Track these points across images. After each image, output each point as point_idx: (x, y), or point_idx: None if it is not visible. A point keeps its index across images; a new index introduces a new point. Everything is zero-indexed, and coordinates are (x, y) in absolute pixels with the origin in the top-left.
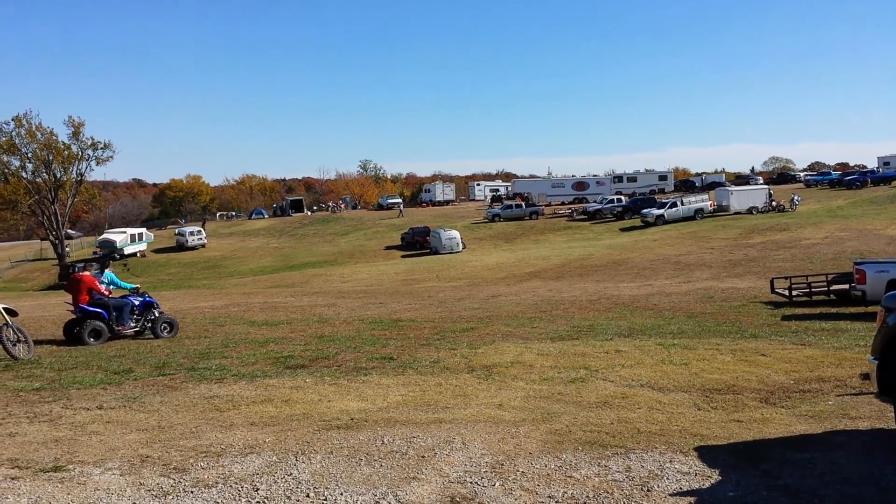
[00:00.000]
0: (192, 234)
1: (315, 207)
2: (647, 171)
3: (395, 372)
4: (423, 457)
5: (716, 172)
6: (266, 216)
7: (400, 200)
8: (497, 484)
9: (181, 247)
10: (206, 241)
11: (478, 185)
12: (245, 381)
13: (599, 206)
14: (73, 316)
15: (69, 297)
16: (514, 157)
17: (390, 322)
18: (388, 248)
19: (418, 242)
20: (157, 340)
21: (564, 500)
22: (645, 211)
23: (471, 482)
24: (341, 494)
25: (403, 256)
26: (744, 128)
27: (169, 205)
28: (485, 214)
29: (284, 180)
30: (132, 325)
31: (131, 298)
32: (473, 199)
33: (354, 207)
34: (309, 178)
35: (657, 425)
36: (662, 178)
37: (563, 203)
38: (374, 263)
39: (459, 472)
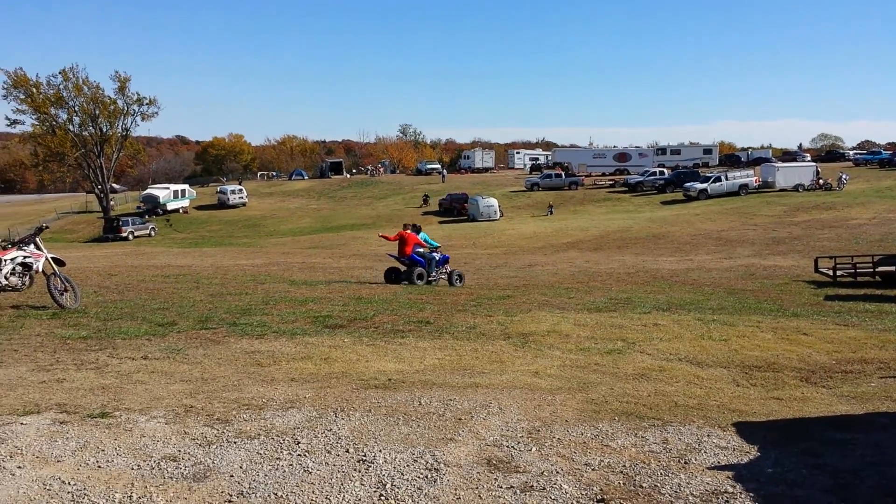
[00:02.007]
0: (233, 192)
1: (354, 170)
2: (691, 144)
3: (431, 336)
4: (459, 419)
5: (762, 148)
6: (306, 177)
7: (439, 165)
8: (533, 449)
9: (222, 205)
10: (246, 199)
11: (517, 153)
12: (285, 338)
13: (641, 179)
14: (396, 264)
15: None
16: (555, 127)
17: (427, 287)
18: (426, 213)
19: (456, 209)
20: (451, 288)
21: (601, 468)
22: (688, 185)
23: (507, 446)
24: (380, 451)
25: (441, 222)
26: (794, 103)
27: (211, 163)
28: (524, 183)
29: (324, 142)
30: (437, 274)
31: (435, 254)
32: (512, 168)
33: (393, 172)
34: (349, 140)
35: (695, 399)
36: (707, 151)
37: (603, 174)
38: None
39: (496, 435)
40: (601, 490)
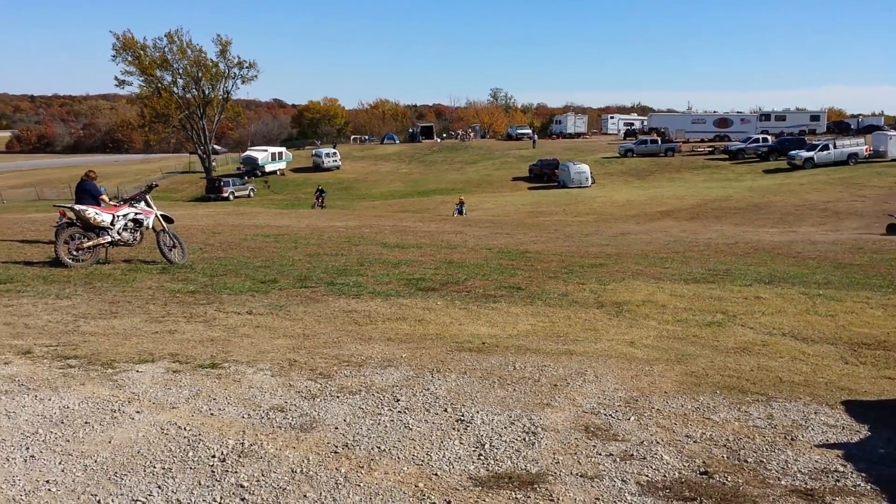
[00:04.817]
0: (328, 155)
1: (444, 135)
2: (797, 109)
3: (523, 302)
4: (555, 385)
5: (874, 115)
6: (397, 141)
7: (530, 131)
8: (632, 418)
9: (317, 167)
10: (340, 162)
11: (611, 118)
12: (380, 299)
13: (742, 146)
14: None
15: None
16: (651, 90)
17: (517, 253)
18: (516, 178)
19: (546, 175)
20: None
21: (703, 441)
22: (793, 153)
23: (605, 414)
24: (477, 412)
25: (530, 188)
26: None
27: (307, 126)
28: (617, 149)
29: (415, 106)
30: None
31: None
32: (606, 133)
33: (483, 136)
34: (439, 104)
35: (801, 376)
36: (814, 118)
37: (702, 140)
38: (500, 193)
39: (593, 403)
40: (703, 462)
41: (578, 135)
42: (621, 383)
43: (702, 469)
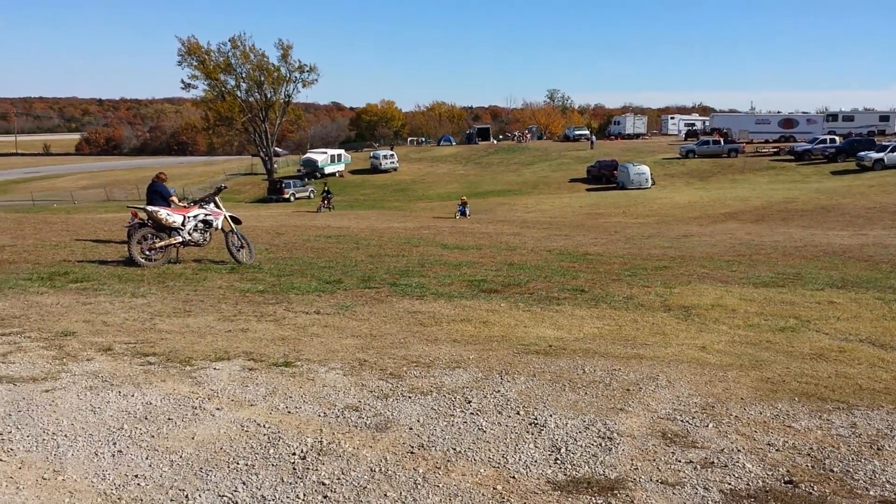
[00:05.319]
0: (385, 157)
1: (501, 136)
2: (865, 110)
3: (587, 304)
4: (627, 390)
5: None
6: (454, 143)
7: (588, 132)
8: (710, 425)
9: (375, 169)
10: (397, 164)
11: (671, 118)
12: (443, 300)
13: (809, 147)
14: None
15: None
16: (713, 90)
17: (578, 255)
18: (573, 180)
19: (605, 176)
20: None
21: (785, 450)
22: (861, 154)
23: (681, 420)
24: (550, 416)
25: (588, 190)
26: None
27: (364, 128)
28: (678, 150)
29: (471, 108)
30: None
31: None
32: (666, 134)
33: (540, 138)
34: (495, 106)
35: (881, 383)
36: (884, 118)
37: (766, 141)
38: (558, 195)
39: (668, 409)
40: (788, 472)
41: (638, 135)
42: (695, 389)
43: (786, 478)
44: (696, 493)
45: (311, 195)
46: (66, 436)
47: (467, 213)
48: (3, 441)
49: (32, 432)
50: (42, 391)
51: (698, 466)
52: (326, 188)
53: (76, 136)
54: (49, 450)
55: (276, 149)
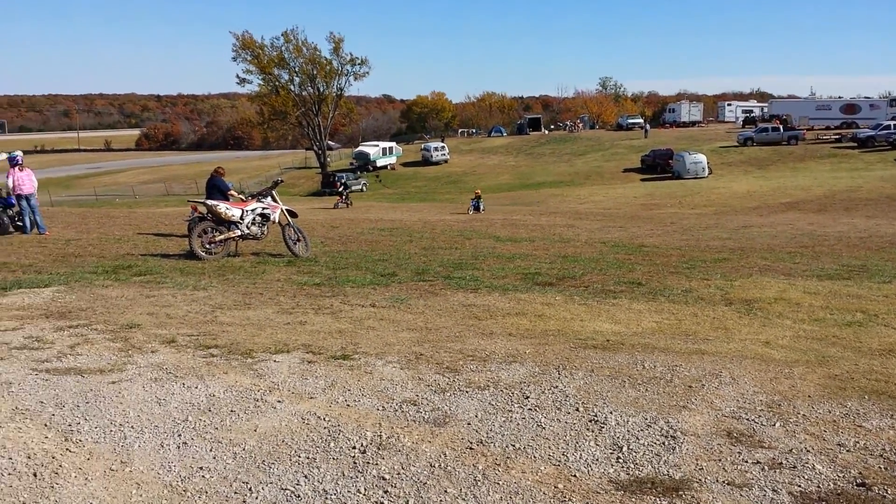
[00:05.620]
0: (436, 149)
1: (552, 126)
2: None
3: (645, 298)
4: (689, 387)
5: None
6: (504, 134)
7: (642, 120)
8: (777, 424)
9: (426, 161)
10: (448, 156)
11: (728, 105)
12: (498, 293)
13: (872, 133)
14: None
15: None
16: (771, 75)
17: (634, 247)
18: (627, 170)
19: (660, 165)
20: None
21: (857, 451)
22: None
23: (747, 419)
24: (611, 413)
25: (643, 180)
26: None
27: (415, 120)
28: (735, 137)
29: (522, 98)
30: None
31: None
32: (723, 121)
33: (592, 127)
34: (546, 96)
35: None
36: None
37: (828, 127)
38: (611, 185)
39: (732, 407)
40: (860, 473)
41: (693, 123)
42: (760, 386)
43: (859, 480)
44: (765, 496)
45: (364, 188)
46: (132, 427)
47: (481, 207)
48: (73, 432)
49: (100, 423)
50: (109, 382)
51: (766, 467)
52: (344, 182)
53: (136, 132)
54: (116, 441)
55: (329, 142)
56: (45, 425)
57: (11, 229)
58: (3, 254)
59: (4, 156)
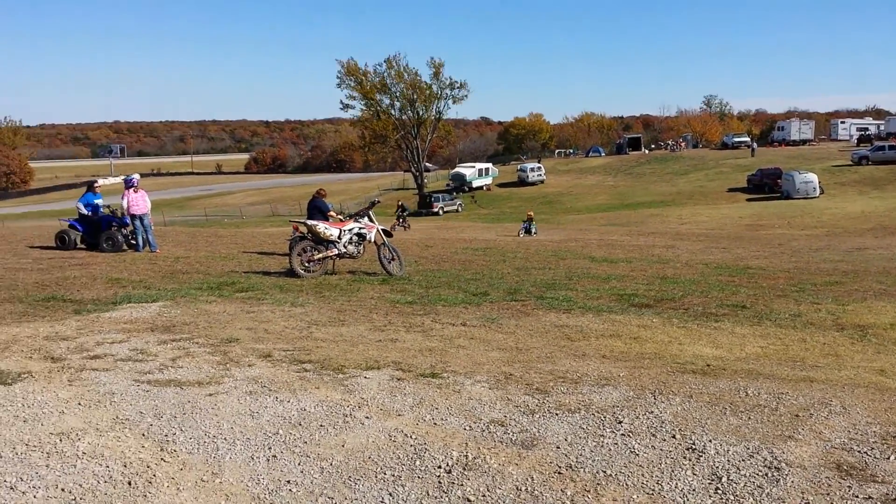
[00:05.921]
0: (532, 170)
1: (653, 145)
2: None
3: (749, 322)
4: (796, 416)
5: None
6: (603, 154)
7: (749, 138)
8: (892, 458)
9: (522, 182)
10: (544, 177)
11: (842, 122)
12: (592, 314)
13: None
14: None
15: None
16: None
17: (738, 269)
18: (732, 189)
19: (767, 185)
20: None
21: None
22: None
23: (858, 451)
24: (710, 441)
25: (749, 200)
26: None
27: (512, 142)
28: (849, 156)
29: (622, 118)
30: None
31: None
32: (836, 139)
33: (695, 146)
34: (647, 115)
35: None
36: None
37: None
38: (715, 206)
39: (843, 438)
40: None
41: (804, 142)
42: (874, 416)
43: None
44: None
45: (460, 209)
46: (225, 439)
47: (533, 231)
48: (168, 442)
49: (195, 434)
50: (206, 395)
51: (879, 503)
52: (401, 205)
53: (245, 156)
54: (209, 452)
55: (427, 164)
56: (143, 435)
57: (125, 247)
58: (117, 270)
59: (122, 178)
